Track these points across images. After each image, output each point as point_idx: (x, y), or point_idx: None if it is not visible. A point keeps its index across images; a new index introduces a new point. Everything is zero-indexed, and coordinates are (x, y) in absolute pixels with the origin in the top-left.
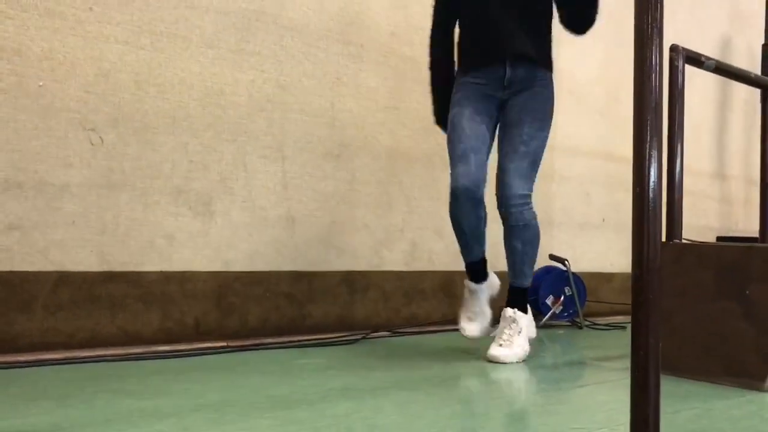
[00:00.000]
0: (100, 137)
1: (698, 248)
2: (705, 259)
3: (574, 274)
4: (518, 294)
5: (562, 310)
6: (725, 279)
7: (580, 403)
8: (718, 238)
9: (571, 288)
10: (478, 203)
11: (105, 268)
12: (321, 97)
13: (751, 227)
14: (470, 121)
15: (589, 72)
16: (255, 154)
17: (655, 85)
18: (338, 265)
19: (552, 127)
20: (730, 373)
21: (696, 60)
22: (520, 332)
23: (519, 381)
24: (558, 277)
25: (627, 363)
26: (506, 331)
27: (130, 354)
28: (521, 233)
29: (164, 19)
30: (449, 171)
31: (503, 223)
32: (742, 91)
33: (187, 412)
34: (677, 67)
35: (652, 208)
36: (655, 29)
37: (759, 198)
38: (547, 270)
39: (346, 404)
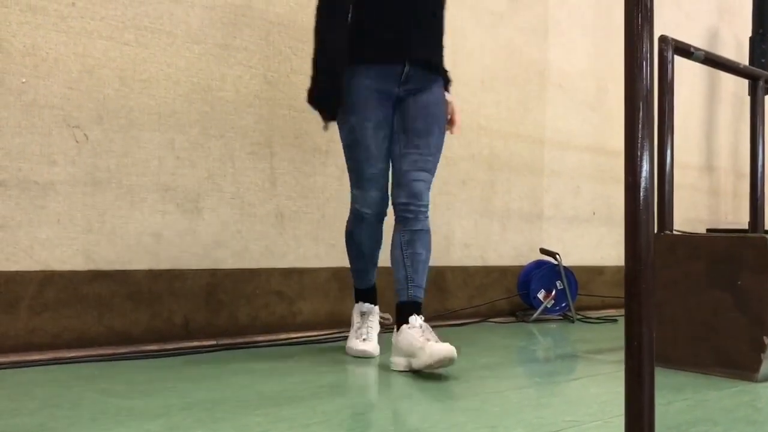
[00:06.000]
0: (85, 134)
1: (690, 239)
2: (697, 249)
3: (565, 267)
4: (418, 307)
5: (553, 304)
6: (717, 269)
7: (573, 395)
8: (708, 230)
9: (562, 282)
10: (381, 224)
11: (91, 266)
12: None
13: (740, 219)
14: (375, 138)
15: (577, 65)
16: (243, 150)
17: (646, 76)
18: (328, 261)
19: (541, 121)
20: (722, 363)
21: (685, 51)
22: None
23: (513, 375)
24: (549, 271)
25: (619, 356)
26: (430, 335)
27: (118, 353)
28: (426, 239)
29: (149, 14)
30: (354, 190)
31: (403, 230)
32: (730, 83)
33: (176, 411)
34: (666, 57)
35: (645, 198)
36: (645, 20)
37: (748, 189)
38: (538, 264)
39: (337, 401)
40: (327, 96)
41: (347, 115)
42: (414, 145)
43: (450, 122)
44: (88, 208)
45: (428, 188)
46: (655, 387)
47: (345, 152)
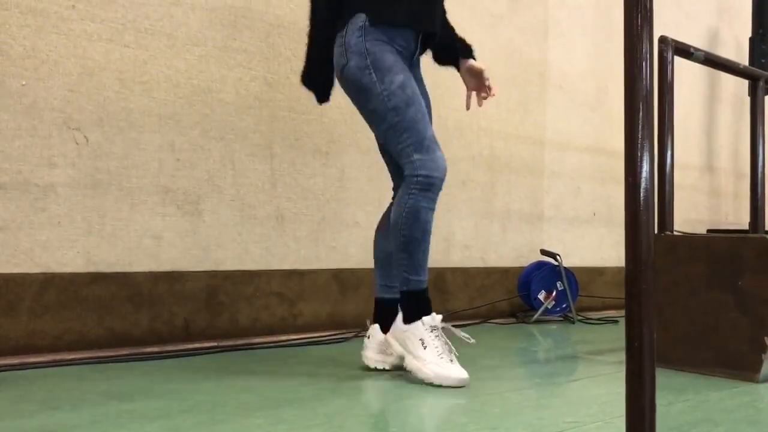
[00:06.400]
0: (85, 136)
1: (690, 240)
2: (697, 250)
3: (565, 268)
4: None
5: (554, 305)
6: (718, 270)
7: (574, 396)
8: (709, 231)
9: (563, 283)
10: None
11: (92, 269)
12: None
13: (740, 220)
14: (420, 98)
15: (577, 66)
16: (243, 152)
17: (646, 77)
18: (328, 263)
19: (542, 122)
20: (723, 364)
21: (685, 51)
22: None
23: (513, 376)
24: (550, 272)
25: (620, 356)
26: None
27: (119, 355)
28: None
29: (149, 16)
30: (414, 155)
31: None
32: (730, 84)
33: (176, 413)
34: (666, 58)
35: (645, 198)
36: (645, 20)
37: (749, 190)
38: (539, 265)
39: (337, 402)
40: (317, 79)
41: (392, 74)
42: None
43: (487, 87)
44: (88, 210)
45: None
46: (656, 388)
47: (392, 116)
